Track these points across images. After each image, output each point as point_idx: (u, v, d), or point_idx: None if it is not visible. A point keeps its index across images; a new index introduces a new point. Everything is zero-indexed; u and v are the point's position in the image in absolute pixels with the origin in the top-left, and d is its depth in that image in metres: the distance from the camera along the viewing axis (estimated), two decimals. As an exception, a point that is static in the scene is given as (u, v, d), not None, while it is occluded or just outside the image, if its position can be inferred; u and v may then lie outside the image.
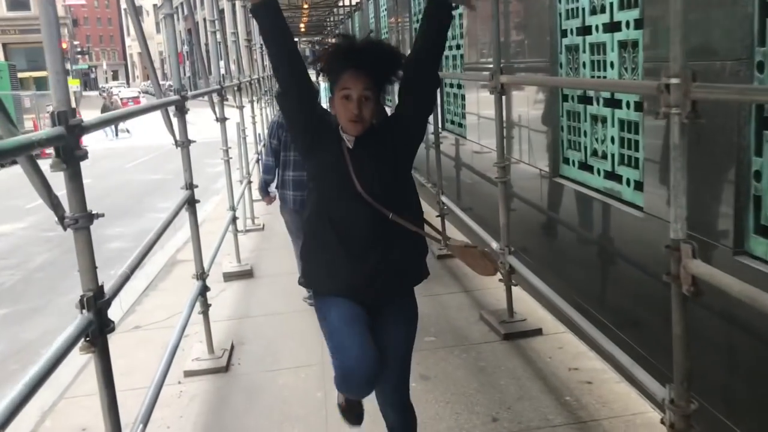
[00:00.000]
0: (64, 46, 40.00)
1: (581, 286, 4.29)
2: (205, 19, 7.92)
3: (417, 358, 4.31)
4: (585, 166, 4.21)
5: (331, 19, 19.06)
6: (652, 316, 3.48)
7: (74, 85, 38.26)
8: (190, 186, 4.35)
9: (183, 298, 4.50)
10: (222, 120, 6.29)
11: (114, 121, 2.74)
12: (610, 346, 3.24)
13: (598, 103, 3.95)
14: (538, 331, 4.51)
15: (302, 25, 22.02)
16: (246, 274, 6.47)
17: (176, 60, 4.33)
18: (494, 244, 4.82)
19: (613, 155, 3.82)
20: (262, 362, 4.51)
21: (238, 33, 10.19)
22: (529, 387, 3.82)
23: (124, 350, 4.99)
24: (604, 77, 3.82)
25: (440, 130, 6.68)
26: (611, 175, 3.87)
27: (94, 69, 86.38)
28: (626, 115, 3.63)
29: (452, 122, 7.58)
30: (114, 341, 5.28)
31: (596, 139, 4.04)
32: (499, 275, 4.52)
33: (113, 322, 2.40)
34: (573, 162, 4.37)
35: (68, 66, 40.94)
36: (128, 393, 4.25)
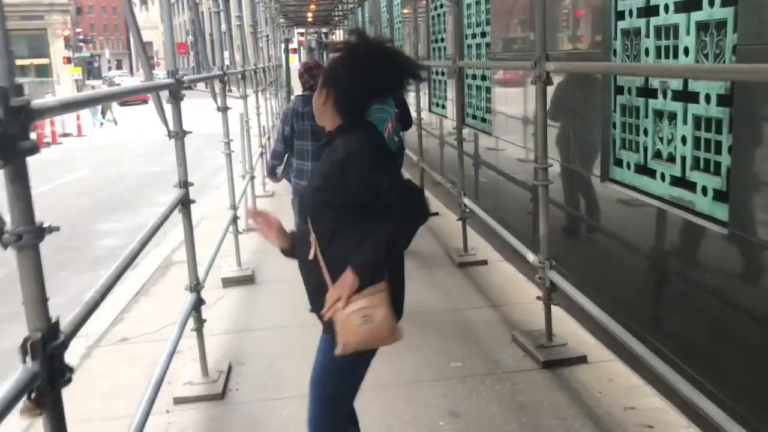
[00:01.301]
0: (67, 33, 39.46)
1: (635, 308, 3.71)
2: (210, 9, 7.32)
3: (444, 389, 3.76)
4: (644, 170, 3.62)
5: (340, 8, 18.44)
6: (731, 350, 2.90)
7: (76, 73, 37.68)
8: (185, 184, 3.78)
9: (178, 305, 3.97)
10: (224, 109, 5.71)
11: (80, 105, 2.15)
12: (676, 379, 2.67)
13: (664, 97, 3.35)
14: (583, 359, 3.92)
15: (310, 15, 21.42)
16: (247, 280, 5.89)
17: (171, 39, 3.74)
18: (530, 256, 4.23)
19: (683, 158, 3.22)
20: (264, 388, 3.94)
21: (243, 18, 9.61)
22: (579, 431, 3.24)
23: (107, 368, 4.42)
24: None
25: (462, 125, 6.08)
26: (680, 182, 3.27)
27: (97, 58, 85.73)
28: (704, 111, 3.03)
29: (474, 117, 6.98)
30: (97, 357, 4.73)
31: (661, 139, 3.44)
32: (531, 290, 3.95)
33: (72, 370, 1.81)
34: (628, 164, 3.78)
35: (70, 54, 40.45)
36: (109, 423, 3.70)
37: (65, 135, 23.97)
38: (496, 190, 6.30)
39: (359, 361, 2.41)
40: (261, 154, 9.84)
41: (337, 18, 21.67)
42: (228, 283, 5.84)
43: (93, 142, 22.18)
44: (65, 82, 35.89)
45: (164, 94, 3.58)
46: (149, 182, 13.37)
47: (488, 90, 6.45)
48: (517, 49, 5.40)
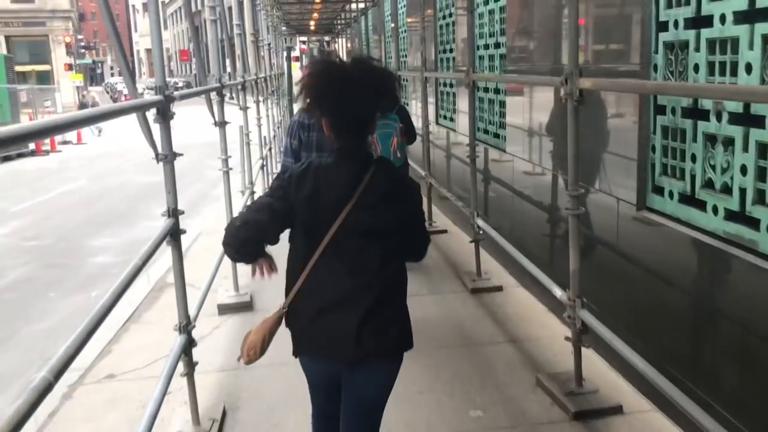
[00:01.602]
0: (68, 39, 39.17)
1: (678, 354, 3.30)
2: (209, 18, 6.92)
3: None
4: (691, 200, 3.22)
5: (343, 16, 18.09)
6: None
7: (77, 79, 37.36)
8: (174, 213, 3.39)
9: (170, 335, 3.61)
10: (221, 124, 5.32)
11: (35, 135, 1.73)
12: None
13: (719, 119, 2.95)
14: (618, 409, 3.51)
15: (312, 23, 21.09)
16: (244, 307, 5.49)
17: (159, 52, 3.35)
18: (557, 291, 3.83)
19: (743, 190, 2.83)
20: (262, 439, 3.54)
21: (244, 27, 9.26)
22: (622, 501, 2.83)
23: (90, 410, 4.02)
24: (734, 84, 2.83)
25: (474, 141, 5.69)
26: (738, 217, 2.88)
27: (100, 64, 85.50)
28: (771, 137, 2.64)
29: (486, 131, 6.59)
30: (80, 398, 4.32)
31: (713, 167, 3.04)
32: (557, 330, 3.55)
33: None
34: (670, 193, 3.38)
35: (72, 60, 40.14)
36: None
37: (65, 143, 23.61)
38: (510, 210, 5.90)
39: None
40: (262, 167, 9.45)
41: (339, 26, 21.34)
42: (224, 310, 5.44)
43: (93, 150, 21.81)
44: (66, 89, 35.57)
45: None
46: (148, 193, 12.97)
47: (502, 104, 6.05)
48: (540, 63, 5.01)
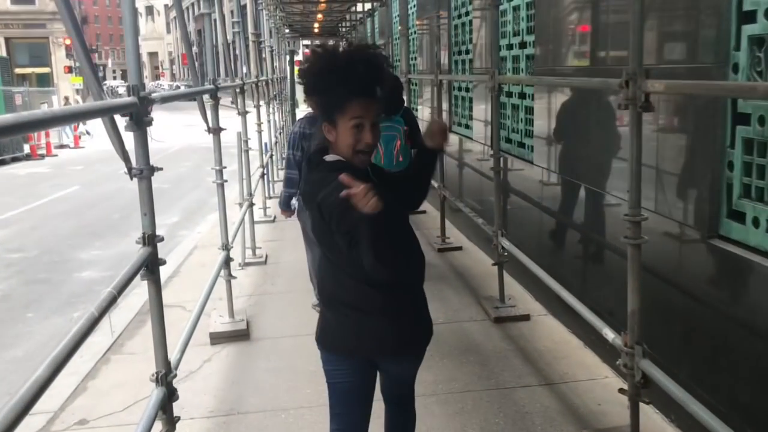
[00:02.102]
0: (68, 42, 38.63)
1: (758, 412, 2.71)
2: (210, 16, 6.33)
3: None
4: (784, 231, 2.62)
5: (348, 18, 17.52)
6: None
7: (77, 82, 36.77)
8: (150, 240, 2.80)
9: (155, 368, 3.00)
10: (216, 131, 4.74)
11: None
12: None
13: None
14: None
15: (316, 25, 20.53)
16: (240, 336, 4.88)
17: (134, 47, 2.75)
18: (609, 334, 3.23)
19: None
20: None
21: (246, 25, 8.71)
22: None
23: (54, 468, 3.43)
24: None
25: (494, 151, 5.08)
26: None
27: (102, 68, 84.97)
28: None
29: (509, 140, 5.99)
30: (42, 451, 3.75)
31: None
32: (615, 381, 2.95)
33: None
34: (754, 220, 2.78)
35: (72, 63, 39.58)
36: None
37: (61, 146, 23.06)
38: (537, 229, 5.31)
39: None
40: (262, 175, 8.87)
41: (344, 29, 20.78)
42: (217, 339, 4.84)
43: (90, 154, 21.24)
44: (64, 92, 35.02)
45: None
46: (142, 201, 12.40)
47: (528, 110, 5.46)
48: (581, 63, 4.42)
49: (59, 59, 38.73)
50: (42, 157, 20.28)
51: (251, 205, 6.92)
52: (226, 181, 4.90)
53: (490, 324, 4.89)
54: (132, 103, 2.56)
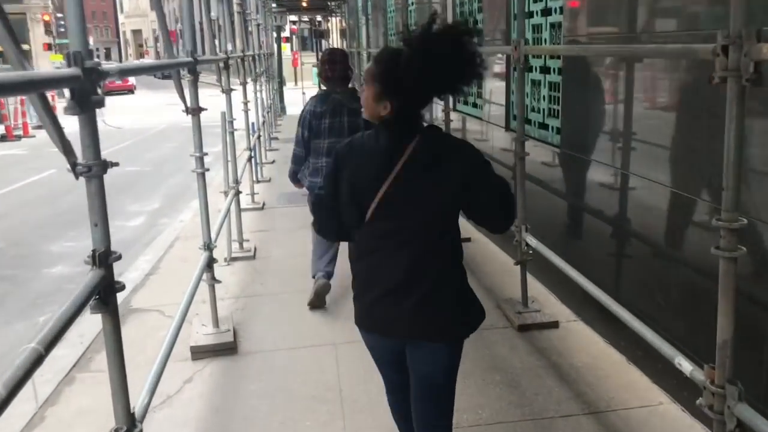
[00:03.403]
0: (47, 18, 37.47)
1: None
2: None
3: None
4: None
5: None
6: None
7: (57, 60, 35.62)
8: (103, 260, 2.14)
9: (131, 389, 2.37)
10: (195, 111, 4.06)
11: None
12: None
13: None
14: None
15: (304, 2, 19.71)
16: (225, 349, 4.23)
17: (78, 7, 2.05)
18: (684, 365, 2.60)
19: None
20: None
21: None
22: None
23: None
24: None
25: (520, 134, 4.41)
26: None
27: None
28: None
29: (527, 121, 5.33)
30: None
31: None
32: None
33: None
34: None
35: (51, 40, 38.39)
36: None
37: (39, 127, 22.13)
38: (561, 223, 4.68)
39: None
40: (249, 159, 8.16)
41: (333, 3, 19.95)
42: (199, 353, 4.18)
43: (69, 134, 20.27)
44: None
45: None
46: (122, 185, 11.65)
47: (554, 86, 4.80)
48: (646, 24, 3.74)
49: (38, 36, 37.54)
50: (18, 138, 19.43)
51: (238, 193, 6.23)
52: (207, 170, 4.22)
53: (514, 333, 4.27)
54: (74, 75, 1.88)
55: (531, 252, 4.30)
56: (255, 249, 6.43)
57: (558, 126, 4.70)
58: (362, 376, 3.69)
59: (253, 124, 10.21)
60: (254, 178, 9.82)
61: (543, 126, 4.96)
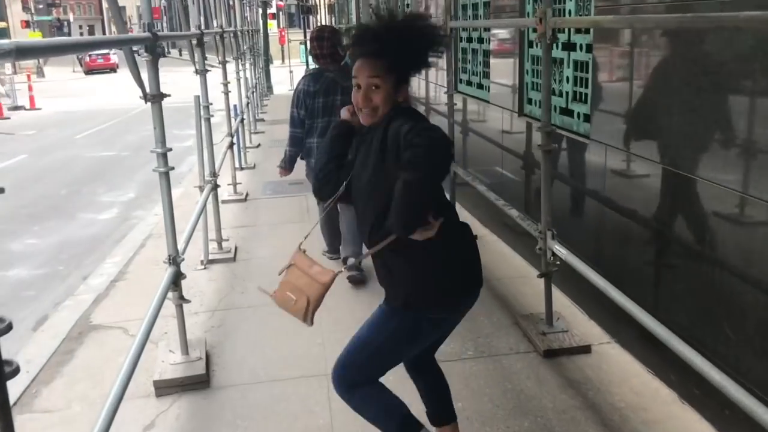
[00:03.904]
0: (25, -6, 36.26)
1: None
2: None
3: None
4: None
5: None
6: None
7: (36, 38, 34.49)
8: None
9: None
10: (155, 98, 3.34)
11: None
12: None
13: None
14: None
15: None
16: (196, 383, 3.55)
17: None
18: (762, 414, 1.94)
19: None
20: None
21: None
22: None
23: None
24: None
25: (548, 122, 3.71)
26: None
27: (66, 23, 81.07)
28: None
29: (554, 107, 4.64)
30: None
31: None
32: None
33: None
34: None
35: (29, 17, 37.21)
36: None
37: (16, 108, 21.25)
38: (591, 224, 4.01)
39: (403, 348, 2.36)
40: (230, 146, 7.42)
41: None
42: (165, 389, 3.50)
43: (46, 116, 19.52)
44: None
45: None
46: (96, 172, 10.90)
47: (582, 66, 4.10)
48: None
49: (15, 13, 36.35)
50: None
51: (215, 187, 5.52)
52: (171, 168, 3.51)
53: (540, 360, 3.60)
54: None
55: (558, 263, 3.63)
56: (235, 249, 5.74)
57: (586, 112, 4.00)
58: (359, 417, 3.03)
59: (235, 106, 9.44)
60: (238, 164, 9.09)
61: (566, 112, 4.27)
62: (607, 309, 3.64)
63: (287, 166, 4.87)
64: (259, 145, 10.88)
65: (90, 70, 38.72)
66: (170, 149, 3.44)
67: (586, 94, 4.02)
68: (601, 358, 3.59)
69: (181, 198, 7.75)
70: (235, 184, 7.76)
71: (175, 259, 3.50)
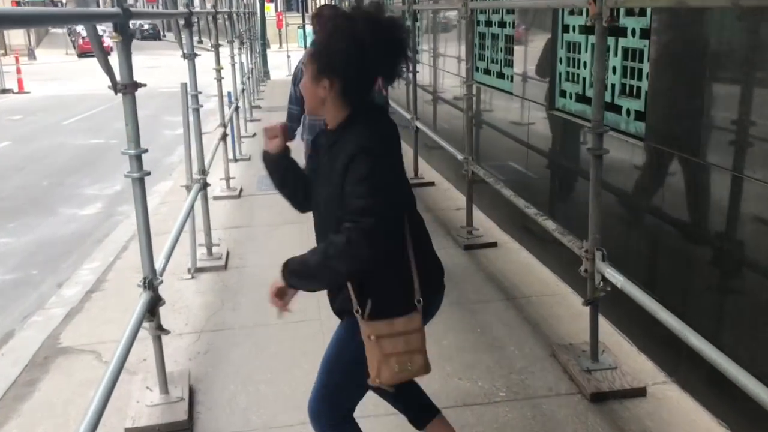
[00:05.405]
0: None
1: None
2: None
3: None
4: None
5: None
6: None
7: None
8: None
9: None
10: (127, 89, 2.73)
11: None
12: None
13: None
14: None
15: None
16: (177, 431, 2.96)
17: None
18: None
19: None
20: None
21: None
22: None
23: None
24: None
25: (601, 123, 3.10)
26: None
27: (60, 3, 79.88)
28: None
29: (582, 98, 4.05)
30: None
31: None
32: None
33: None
34: None
35: (20, -2, 36.26)
36: None
37: (4, 92, 20.56)
38: (640, 245, 3.43)
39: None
40: (223, 137, 6.80)
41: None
42: (139, 438, 2.92)
43: (34, 100, 18.82)
44: (16, 32, 32.05)
45: None
46: (82, 161, 10.28)
47: (633, 54, 3.49)
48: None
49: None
50: (-23, 103, 17.86)
51: (204, 186, 4.92)
52: (147, 173, 2.89)
53: (586, 404, 3.03)
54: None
55: (609, 289, 3.04)
56: (227, 255, 5.16)
57: (638, 108, 3.40)
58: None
59: (229, 93, 8.81)
60: (232, 156, 8.49)
61: (612, 107, 3.66)
62: (661, 339, 3.08)
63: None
64: (254, 135, 10.26)
65: (83, 53, 37.80)
66: (145, 150, 2.83)
67: (638, 88, 3.41)
68: (659, 404, 3.02)
69: (170, 193, 7.16)
70: (228, 179, 7.16)
71: (151, 283, 2.91)
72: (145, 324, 2.90)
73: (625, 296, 2.81)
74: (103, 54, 2.57)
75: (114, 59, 2.62)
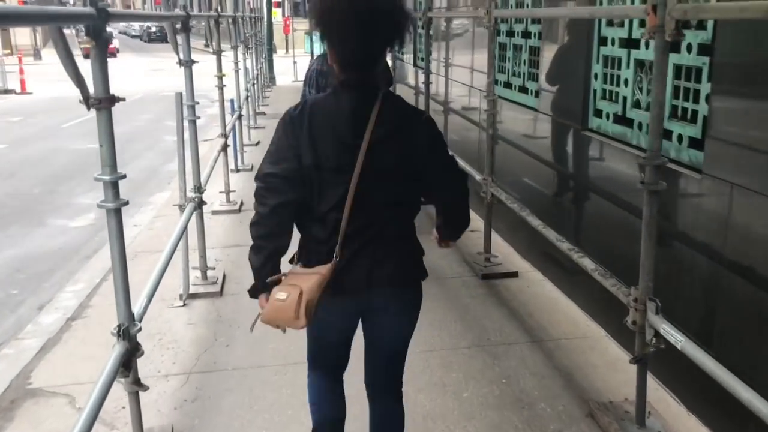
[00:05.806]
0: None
1: None
2: None
3: None
4: None
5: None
6: None
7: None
8: None
9: None
10: (101, 104, 2.30)
11: None
12: None
13: None
14: None
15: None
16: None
17: None
18: None
19: None
20: None
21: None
22: None
23: None
24: None
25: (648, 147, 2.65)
26: None
27: (68, 3, 79.87)
28: None
29: (622, 120, 3.61)
30: None
31: None
32: None
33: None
34: None
35: (27, -3, 36.01)
36: None
37: (6, 92, 20.22)
38: (698, 292, 2.99)
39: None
40: (224, 148, 6.38)
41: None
42: None
43: (36, 101, 18.47)
44: (21, 30, 31.77)
45: None
46: (78, 167, 9.85)
47: (690, 72, 3.05)
48: None
49: (13, -7, 35.16)
50: (-26, 105, 17.49)
51: (200, 205, 4.48)
52: (125, 203, 2.46)
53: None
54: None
55: (662, 346, 2.59)
56: (223, 278, 4.73)
57: (694, 135, 2.96)
58: None
59: (232, 101, 8.40)
60: (234, 166, 8.07)
61: (676, 137, 3.21)
62: (716, 400, 2.64)
63: None
64: (258, 143, 9.83)
65: (89, 55, 37.57)
66: (123, 176, 2.40)
67: (695, 112, 2.97)
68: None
69: (167, 205, 6.71)
70: (228, 192, 6.73)
71: (127, 332, 2.47)
72: (120, 378, 2.46)
73: (674, 349, 2.38)
74: (72, 62, 2.14)
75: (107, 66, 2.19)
